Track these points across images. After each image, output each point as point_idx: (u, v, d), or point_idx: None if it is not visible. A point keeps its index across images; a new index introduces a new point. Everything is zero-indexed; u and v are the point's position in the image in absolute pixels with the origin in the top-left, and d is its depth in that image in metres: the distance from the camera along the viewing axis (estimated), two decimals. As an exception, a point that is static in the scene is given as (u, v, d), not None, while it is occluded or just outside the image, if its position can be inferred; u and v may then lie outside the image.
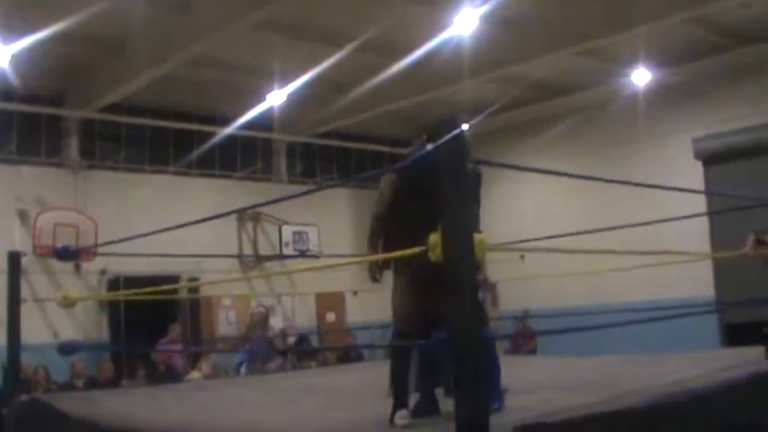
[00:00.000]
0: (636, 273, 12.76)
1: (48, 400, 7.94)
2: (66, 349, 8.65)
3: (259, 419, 6.08)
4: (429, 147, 5.16)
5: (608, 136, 18.12)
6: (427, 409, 5.50)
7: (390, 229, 5.55)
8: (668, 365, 7.45)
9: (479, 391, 3.87)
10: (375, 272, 5.77)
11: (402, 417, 5.02)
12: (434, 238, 4.21)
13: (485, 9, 13.39)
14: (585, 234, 11.45)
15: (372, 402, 6.11)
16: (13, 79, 14.61)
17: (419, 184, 5.23)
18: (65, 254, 8.94)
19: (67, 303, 8.78)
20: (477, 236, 4.13)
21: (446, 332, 4.49)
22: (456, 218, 3.95)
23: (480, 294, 5.57)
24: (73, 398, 8.58)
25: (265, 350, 13.39)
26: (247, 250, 18.19)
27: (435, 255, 4.20)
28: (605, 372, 7.80)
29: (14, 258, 8.55)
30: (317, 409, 6.63)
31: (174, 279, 16.04)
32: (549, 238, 10.11)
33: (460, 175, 4.02)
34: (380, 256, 5.50)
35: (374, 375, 8.41)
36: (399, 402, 5.15)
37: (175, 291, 15.31)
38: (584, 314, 10.80)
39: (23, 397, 8.30)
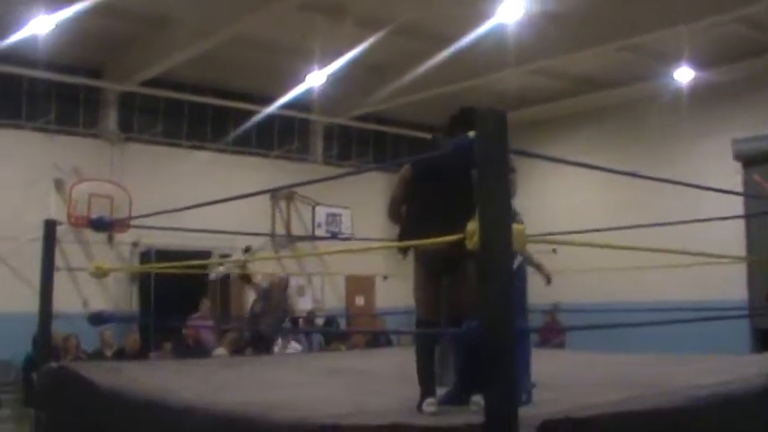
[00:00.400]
0: (669, 272, 12.68)
1: (76, 369, 7.96)
2: (96, 320, 8.69)
3: (285, 398, 6.07)
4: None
5: (647, 133, 17.97)
6: (455, 398, 5.48)
7: (411, 214, 5.51)
8: (699, 366, 7.36)
9: (509, 383, 3.84)
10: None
11: (429, 404, 4.98)
12: (472, 225, 4.18)
13: (523, 1, 13.34)
14: (620, 230, 11.33)
15: (401, 387, 6.09)
16: (55, 49, 14.70)
17: (442, 171, 5.21)
18: (100, 224, 8.97)
19: (100, 274, 8.80)
20: (516, 226, 4.11)
21: (476, 322, 4.49)
22: (495, 207, 3.91)
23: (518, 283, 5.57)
24: (101, 367, 8.61)
25: (277, 324, 12.99)
26: (280, 229, 18.20)
27: (473, 243, 4.17)
28: (635, 369, 7.73)
29: (50, 227, 8.58)
30: (344, 390, 6.61)
31: (205, 255, 16.10)
32: (585, 232, 10.04)
33: (501, 165, 3.97)
34: (408, 243, 5.43)
35: (401, 360, 8.41)
36: (427, 390, 5.11)
37: (207, 266, 15.41)
38: (615, 311, 10.80)
39: (52, 364, 8.34)
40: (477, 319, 4.61)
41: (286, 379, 7.62)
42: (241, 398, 6.18)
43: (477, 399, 4.79)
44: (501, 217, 3.91)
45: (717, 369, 6.88)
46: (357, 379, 7.67)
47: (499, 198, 3.93)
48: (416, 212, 5.41)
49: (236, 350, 13.28)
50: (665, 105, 17.69)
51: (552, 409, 4.44)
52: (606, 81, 17.91)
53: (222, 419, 5.39)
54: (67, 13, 13.15)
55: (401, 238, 5.48)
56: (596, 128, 18.67)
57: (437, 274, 5.22)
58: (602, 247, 5.56)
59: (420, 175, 5.44)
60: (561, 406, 4.67)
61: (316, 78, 16.59)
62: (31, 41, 13.93)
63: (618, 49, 15.63)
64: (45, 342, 8.52)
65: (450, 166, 5.13)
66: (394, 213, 5.66)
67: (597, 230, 10.12)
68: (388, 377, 7.74)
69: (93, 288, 14.95)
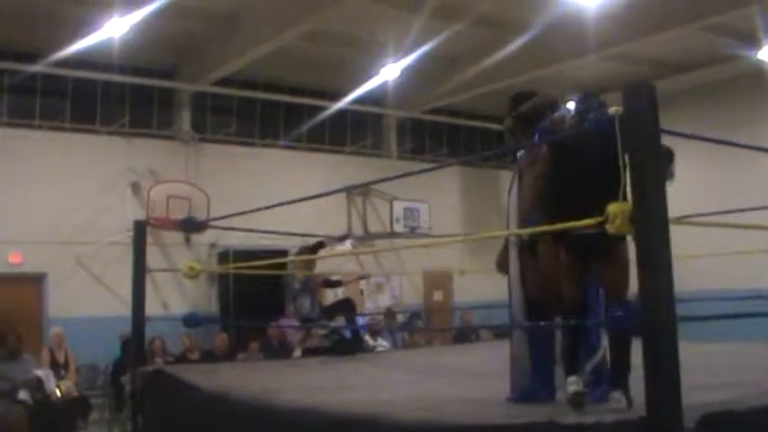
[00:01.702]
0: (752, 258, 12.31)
1: (174, 372, 7.86)
2: (191, 321, 8.61)
3: (390, 397, 5.87)
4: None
5: (729, 115, 17.42)
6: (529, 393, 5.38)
7: (549, 198, 5.18)
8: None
9: (673, 376, 3.58)
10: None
11: (573, 383, 4.64)
12: (615, 208, 3.94)
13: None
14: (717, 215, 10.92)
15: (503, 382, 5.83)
16: (128, 52, 14.69)
17: (579, 151, 4.89)
18: (190, 225, 8.89)
19: (193, 274, 8.71)
20: None
21: (626, 310, 4.23)
22: (650, 188, 3.65)
23: None
24: (198, 370, 8.51)
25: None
26: (356, 225, 18.03)
27: (615, 226, 3.93)
28: (751, 360, 7.42)
29: (141, 228, 8.44)
30: (457, 388, 6.39)
31: (282, 253, 15.97)
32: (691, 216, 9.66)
33: (654, 142, 3.71)
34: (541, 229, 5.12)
35: (495, 355, 8.21)
36: (570, 369, 4.81)
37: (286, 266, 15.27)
38: (719, 300, 10.39)
39: (147, 367, 8.26)
40: (624, 306, 4.37)
41: (389, 377, 7.43)
42: (354, 398, 6.01)
43: (617, 395, 4.53)
44: (658, 198, 3.65)
45: None
46: (463, 376, 7.45)
47: (654, 178, 3.67)
48: (554, 196, 5.10)
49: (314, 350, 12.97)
50: (747, 86, 17.20)
51: (706, 401, 4.16)
52: (686, 64, 17.44)
53: (341, 421, 5.20)
54: (140, 15, 13.08)
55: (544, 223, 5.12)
56: (677, 112, 18.11)
57: (583, 258, 4.90)
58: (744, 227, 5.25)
59: (557, 156, 5.11)
60: (708, 398, 4.38)
61: (390, 72, 16.39)
62: (104, 45, 13.88)
63: (698, 30, 15.17)
64: (139, 345, 8.42)
65: (587, 145, 4.79)
66: (538, 200, 5.31)
67: (702, 215, 9.65)
68: (493, 373, 7.50)
69: (173, 290, 14.95)
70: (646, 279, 3.63)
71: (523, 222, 5.50)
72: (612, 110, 4.16)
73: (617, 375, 4.66)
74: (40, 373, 11.55)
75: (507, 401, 5.41)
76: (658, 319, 3.58)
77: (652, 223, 3.63)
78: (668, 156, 4.47)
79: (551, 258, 5.21)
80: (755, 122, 16.86)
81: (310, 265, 11.17)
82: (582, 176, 4.77)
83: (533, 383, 5.41)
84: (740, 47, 16.32)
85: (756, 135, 16.83)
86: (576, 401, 4.67)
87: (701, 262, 13.45)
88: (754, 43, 16.02)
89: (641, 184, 3.66)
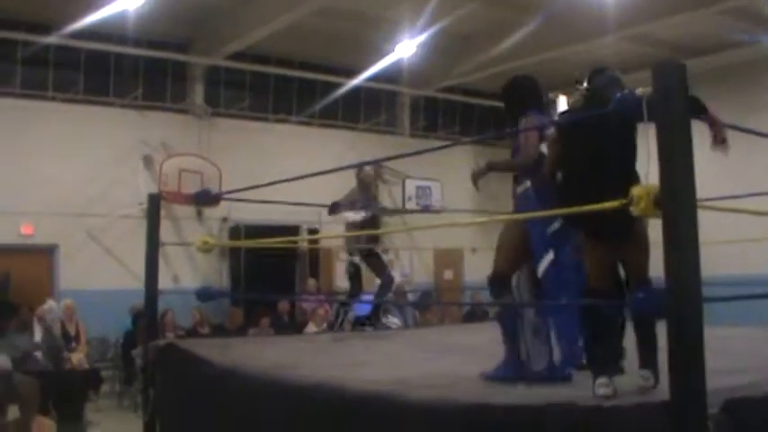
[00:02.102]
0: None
1: (186, 346, 7.83)
2: (205, 295, 8.58)
3: (404, 375, 5.84)
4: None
5: (746, 99, 17.26)
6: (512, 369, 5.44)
7: (563, 178, 5.10)
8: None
9: (699, 359, 3.53)
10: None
11: (603, 385, 4.55)
12: (640, 190, 3.89)
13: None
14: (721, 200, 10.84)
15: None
16: (142, 25, 14.63)
17: (596, 129, 4.81)
18: (204, 198, 8.85)
19: (206, 248, 8.70)
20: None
21: (648, 292, 4.18)
22: (679, 168, 3.60)
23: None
24: (211, 344, 8.48)
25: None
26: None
27: (640, 209, 3.88)
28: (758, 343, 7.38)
29: (155, 201, 8.38)
30: (459, 365, 6.36)
31: (293, 229, 15.98)
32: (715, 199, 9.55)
33: (684, 123, 3.65)
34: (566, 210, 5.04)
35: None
36: (600, 370, 4.69)
37: (308, 240, 15.25)
38: (734, 285, 10.28)
39: (159, 341, 8.23)
40: (645, 287, 4.33)
41: (402, 355, 7.38)
42: (367, 374, 5.97)
43: (646, 373, 4.49)
44: (687, 181, 3.59)
45: None
46: (476, 355, 7.41)
47: (684, 159, 3.61)
48: (568, 178, 5.03)
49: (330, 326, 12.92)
50: (763, 71, 17.04)
51: (728, 386, 4.12)
52: (704, 47, 17.26)
53: (355, 398, 5.17)
54: (155, -12, 13.04)
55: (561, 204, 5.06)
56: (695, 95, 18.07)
57: (604, 240, 4.83)
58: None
59: (569, 137, 5.05)
60: (734, 383, 4.34)
61: (405, 49, 16.29)
62: (118, 17, 13.83)
63: (716, 13, 15.04)
64: (152, 319, 8.36)
65: (606, 124, 4.69)
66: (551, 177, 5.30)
67: (724, 198, 9.54)
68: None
69: (183, 264, 14.97)
70: (673, 262, 3.57)
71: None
72: (640, 90, 4.09)
73: (645, 355, 4.62)
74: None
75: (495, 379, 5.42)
76: (685, 302, 3.52)
77: (681, 206, 3.57)
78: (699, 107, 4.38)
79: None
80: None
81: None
82: (597, 156, 4.70)
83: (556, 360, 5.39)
84: (757, 31, 16.18)
85: (772, 121, 16.81)
86: None
87: (716, 246, 13.39)
88: (773, 26, 15.90)
89: (670, 166, 3.60)
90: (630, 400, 4.14)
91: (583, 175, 4.81)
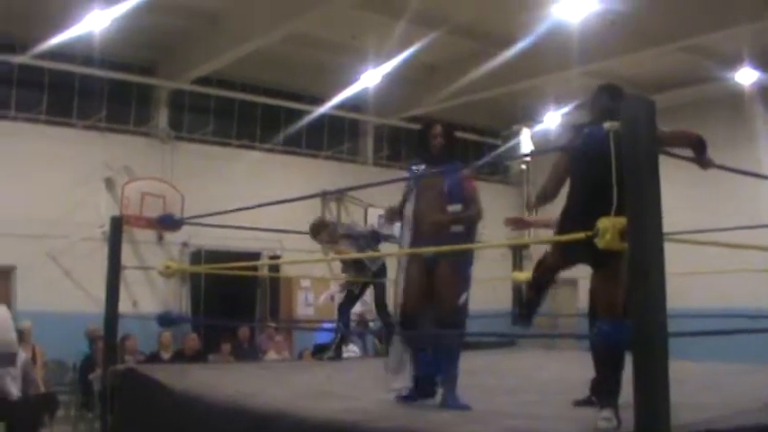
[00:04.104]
0: (726, 278, 12.37)
1: (146, 371, 7.78)
2: (165, 320, 8.53)
3: (365, 405, 5.83)
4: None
5: (707, 135, 17.39)
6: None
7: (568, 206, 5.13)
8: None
9: (664, 393, 3.56)
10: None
11: (605, 419, 4.48)
12: (605, 223, 3.92)
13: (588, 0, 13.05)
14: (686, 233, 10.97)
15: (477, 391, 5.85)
16: (108, 46, 14.57)
17: (587, 160, 4.84)
18: (168, 222, 8.81)
19: (169, 273, 8.64)
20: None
21: (615, 326, 4.20)
22: (646, 203, 3.64)
23: None
24: (170, 370, 8.42)
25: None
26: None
27: (604, 241, 3.91)
28: (738, 378, 7.44)
29: (116, 224, 8.35)
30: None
31: (255, 256, 15.92)
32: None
33: (651, 157, 3.70)
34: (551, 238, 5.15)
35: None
36: (606, 402, 4.65)
37: (269, 267, 15.16)
38: (680, 317, 10.36)
39: (119, 366, 8.17)
40: (614, 322, 4.35)
41: (366, 384, 7.33)
42: (328, 404, 5.95)
43: (607, 413, 4.45)
44: (653, 213, 3.63)
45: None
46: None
47: (651, 192, 3.65)
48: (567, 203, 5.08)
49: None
50: (725, 108, 17.30)
51: (685, 422, 4.15)
52: (664, 83, 17.48)
53: (317, 427, 5.15)
54: (121, 9, 12.93)
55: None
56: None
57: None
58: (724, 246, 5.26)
59: (573, 162, 5.08)
60: (695, 417, 4.38)
61: (370, 78, 16.35)
62: (84, 38, 13.76)
63: (677, 51, 15.27)
64: (111, 343, 8.32)
65: (591, 156, 4.73)
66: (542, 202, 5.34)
67: (691, 231, 9.64)
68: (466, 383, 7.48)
69: (143, 288, 14.83)
70: (638, 295, 3.61)
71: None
72: (608, 125, 4.13)
73: (606, 394, 4.60)
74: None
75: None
76: (650, 335, 3.56)
77: (647, 239, 3.61)
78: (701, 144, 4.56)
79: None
80: (732, 144, 16.92)
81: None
82: (578, 191, 4.75)
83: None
84: (718, 68, 16.42)
85: (733, 157, 16.99)
86: None
87: (687, 279, 13.52)
88: (733, 65, 16.13)
89: (638, 200, 3.65)
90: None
91: (584, 201, 4.84)
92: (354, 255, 10.05)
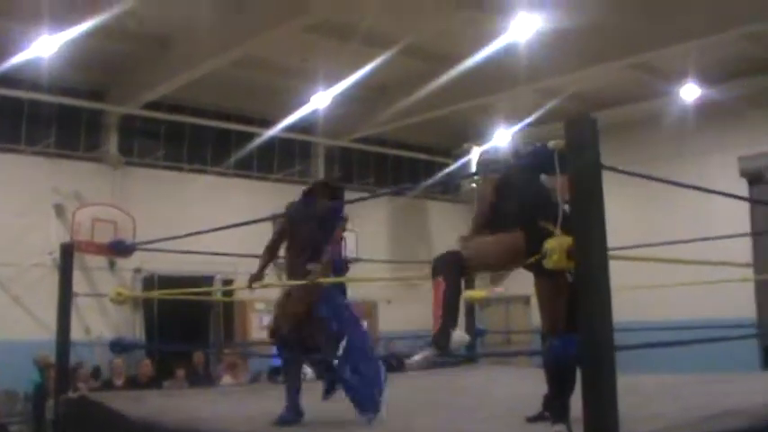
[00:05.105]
0: (675, 291, 12.52)
1: (99, 399, 7.72)
2: (118, 347, 8.47)
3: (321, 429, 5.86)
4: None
5: (653, 151, 17.70)
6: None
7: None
8: (746, 386, 7.19)
9: (611, 407, 3.62)
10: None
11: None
12: (553, 243, 3.99)
13: (535, 19, 13.20)
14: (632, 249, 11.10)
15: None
16: (56, 71, 14.47)
17: (520, 183, 4.93)
18: (119, 248, 8.75)
19: (120, 300, 8.58)
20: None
21: (563, 342, 4.25)
22: (591, 222, 3.70)
23: None
24: (124, 397, 8.36)
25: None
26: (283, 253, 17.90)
27: (553, 261, 3.97)
28: (680, 390, 7.53)
29: (67, 250, 8.29)
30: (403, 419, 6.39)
31: (208, 280, 15.85)
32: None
33: (595, 176, 3.77)
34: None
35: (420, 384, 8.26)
36: (558, 417, 4.74)
37: (225, 292, 15.08)
38: (618, 330, 10.45)
39: (71, 394, 8.10)
40: (560, 338, 4.40)
41: (319, 407, 7.34)
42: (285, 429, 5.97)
43: (561, 428, 4.53)
44: (598, 230, 3.70)
45: (762, 389, 6.72)
46: (394, 407, 7.45)
47: (596, 210, 3.72)
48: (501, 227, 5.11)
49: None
50: (670, 123, 17.55)
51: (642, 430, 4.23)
52: (611, 99, 17.74)
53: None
54: (70, 34, 12.87)
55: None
56: (601, 147, 18.47)
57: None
58: (654, 260, 5.35)
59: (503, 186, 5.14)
60: (644, 429, 4.45)
61: (320, 100, 16.39)
62: (32, 64, 13.67)
63: (623, 67, 15.52)
64: (63, 371, 8.24)
65: (527, 178, 4.83)
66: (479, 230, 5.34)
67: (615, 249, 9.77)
68: (419, 402, 7.51)
69: (95, 315, 14.64)
70: (586, 311, 3.67)
71: None
72: (552, 143, 4.19)
73: (558, 409, 4.66)
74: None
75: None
76: (598, 350, 3.62)
77: (593, 257, 3.67)
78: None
79: None
80: (675, 158, 17.22)
81: None
82: (518, 211, 4.81)
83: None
84: (664, 85, 16.70)
85: (676, 171, 17.29)
86: None
87: (624, 294, 13.65)
88: (678, 81, 16.40)
89: (583, 218, 3.71)
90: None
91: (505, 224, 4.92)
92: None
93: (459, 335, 4.54)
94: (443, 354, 4.59)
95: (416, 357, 4.63)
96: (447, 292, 4.73)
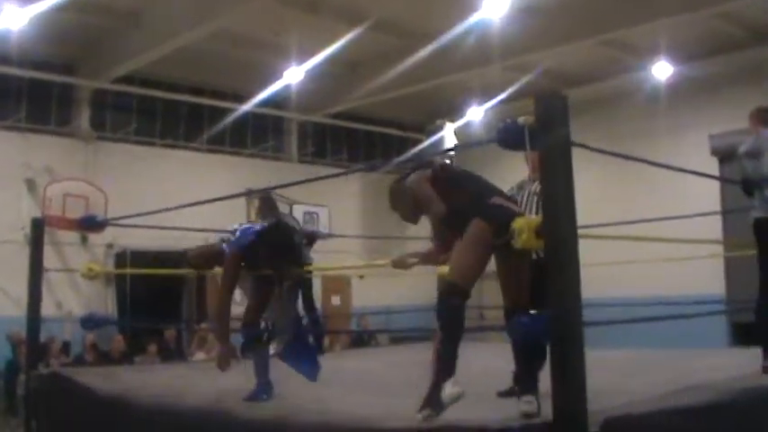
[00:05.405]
0: (645, 267, 12.62)
1: (70, 375, 7.71)
2: (90, 323, 8.45)
3: (293, 402, 5.88)
4: None
5: (625, 128, 17.79)
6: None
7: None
8: (712, 361, 7.27)
9: (579, 380, 3.66)
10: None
11: (527, 402, 4.55)
12: (520, 223, 4.01)
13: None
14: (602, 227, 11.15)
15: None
16: (27, 45, 14.33)
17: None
18: (90, 224, 8.69)
19: (91, 275, 8.55)
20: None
21: (528, 318, 4.28)
22: (561, 202, 3.73)
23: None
24: (95, 373, 8.35)
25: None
26: (253, 228, 17.89)
27: (522, 240, 3.99)
28: (651, 365, 7.62)
29: (38, 226, 8.24)
30: (349, 391, 6.44)
31: (181, 255, 15.77)
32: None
33: (565, 153, 3.79)
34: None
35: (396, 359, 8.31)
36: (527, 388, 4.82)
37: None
38: (589, 306, 10.52)
39: (42, 370, 8.08)
40: (526, 314, 4.42)
41: (293, 382, 7.36)
42: (257, 402, 5.98)
43: (529, 398, 4.56)
44: (567, 208, 3.73)
45: (729, 364, 6.79)
46: (363, 380, 7.49)
47: (565, 187, 3.74)
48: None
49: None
50: (643, 101, 17.65)
51: (606, 406, 4.27)
52: (583, 77, 17.78)
53: (246, 426, 5.19)
54: (41, 7, 12.71)
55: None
56: (573, 124, 18.50)
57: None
58: (603, 238, 5.37)
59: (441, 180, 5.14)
60: (609, 402, 4.49)
61: (293, 75, 16.33)
62: (2, 37, 13.56)
63: (596, 44, 15.55)
64: (33, 346, 8.22)
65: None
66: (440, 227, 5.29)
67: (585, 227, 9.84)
68: (393, 376, 7.55)
69: (66, 290, 14.60)
70: (554, 288, 3.70)
71: None
72: (522, 119, 4.19)
73: (526, 382, 4.71)
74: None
75: None
76: (566, 326, 3.66)
77: (561, 235, 3.70)
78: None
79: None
80: (648, 135, 17.31)
81: None
82: (469, 198, 4.83)
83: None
84: (636, 62, 16.77)
85: (648, 149, 17.38)
86: None
87: (594, 270, 13.72)
88: (650, 59, 16.46)
89: (552, 195, 3.73)
90: (516, 422, 4.24)
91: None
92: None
93: (451, 391, 4.47)
94: (438, 415, 4.51)
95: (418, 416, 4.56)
96: (441, 347, 4.77)
